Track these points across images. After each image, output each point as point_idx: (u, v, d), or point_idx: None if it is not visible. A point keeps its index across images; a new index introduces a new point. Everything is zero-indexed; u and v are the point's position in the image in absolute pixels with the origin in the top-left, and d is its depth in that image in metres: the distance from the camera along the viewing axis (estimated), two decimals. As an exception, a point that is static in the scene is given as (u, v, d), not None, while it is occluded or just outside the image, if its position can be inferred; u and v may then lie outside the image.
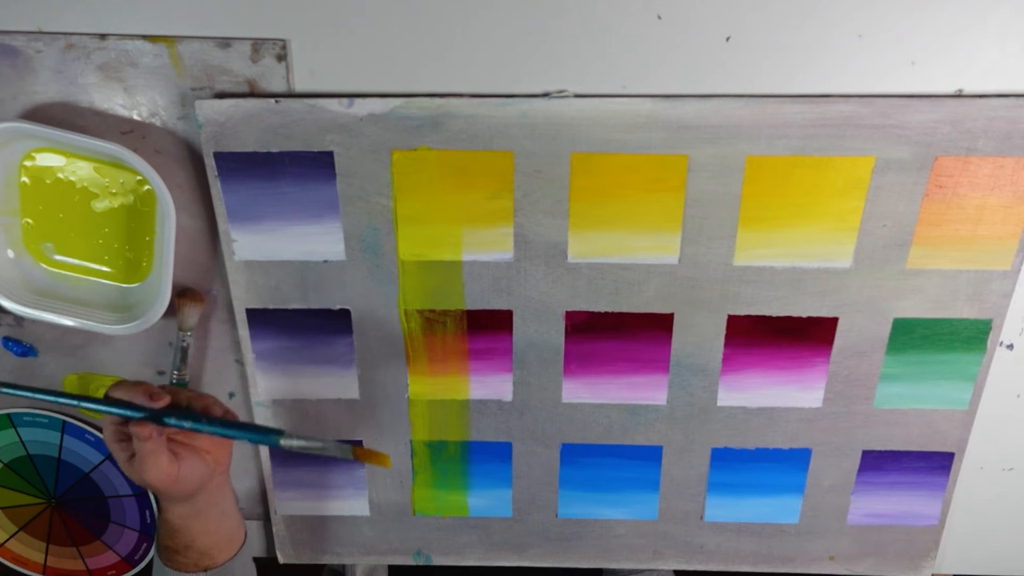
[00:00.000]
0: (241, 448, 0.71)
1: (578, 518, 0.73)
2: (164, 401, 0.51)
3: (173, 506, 0.56)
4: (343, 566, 0.87)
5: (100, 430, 0.72)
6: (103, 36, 0.57)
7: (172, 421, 0.51)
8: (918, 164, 0.58)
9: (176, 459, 0.52)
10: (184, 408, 0.53)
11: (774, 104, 0.57)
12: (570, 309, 0.64)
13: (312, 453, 0.52)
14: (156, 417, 0.51)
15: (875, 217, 0.60)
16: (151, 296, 0.62)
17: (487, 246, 0.62)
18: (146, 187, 0.61)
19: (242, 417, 0.70)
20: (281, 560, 0.77)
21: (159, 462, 0.51)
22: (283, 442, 0.51)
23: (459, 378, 0.67)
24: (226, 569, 0.59)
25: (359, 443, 0.53)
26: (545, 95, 0.58)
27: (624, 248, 0.62)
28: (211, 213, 0.62)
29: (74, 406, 0.53)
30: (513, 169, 0.59)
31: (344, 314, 0.65)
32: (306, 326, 0.65)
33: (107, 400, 0.51)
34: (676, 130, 0.58)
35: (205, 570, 0.58)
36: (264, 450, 0.71)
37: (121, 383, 0.52)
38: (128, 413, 0.51)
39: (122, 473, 0.73)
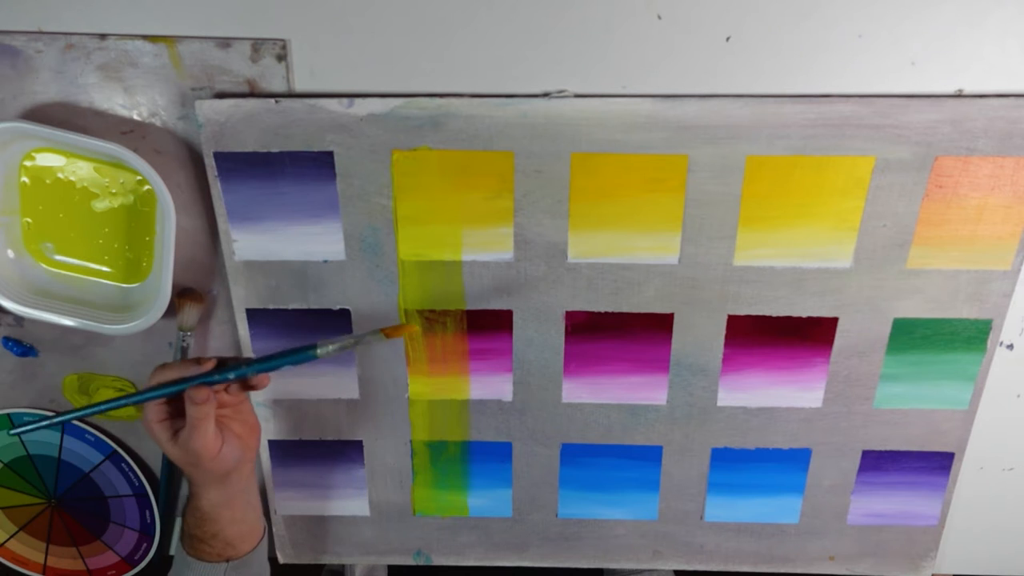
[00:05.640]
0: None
1: (578, 518, 0.73)
2: (211, 364, 0.55)
3: (206, 491, 0.58)
4: (343, 566, 0.87)
5: (100, 430, 0.72)
6: (103, 36, 0.57)
7: (221, 377, 0.55)
8: (918, 164, 0.58)
9: (219, 434, 0.55)
10: (226, 366, 0.56)
11: (774, 104, 0.57)
12: (570, 309, 0.64)
13: (348, 349, 0.55)
14: (206, 383, 0.54)
15: (875, 217, 0.60)
16: (151, 296, 0.62)
17: (487, 246, 0.62)
18: (146, 187, 0.61)
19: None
20: (281, 560, 0.76)
21: (207, 430, 0.54)
22: (319, 351, 0.54)
23: (459, 378, 0.67)
24: (246, 561, 0.61)
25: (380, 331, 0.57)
26: (545, 95, 0.58)
27: (624, 248, 0.62)
28: (211, 213, 0.62)
29: (131, 404, 0.57)
30: (513, 169, 0.59)
31: (344, 314, 0.65)
32: (306, 326, 0.65)
33: (159, 385, 0.55)
34: (676, 130, 0.58)
35: (228, 560, 0.60)
36: (264, 451, 0.70)
37: (163, 366, 0.56)
38: (181, 387, 0.54)
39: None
